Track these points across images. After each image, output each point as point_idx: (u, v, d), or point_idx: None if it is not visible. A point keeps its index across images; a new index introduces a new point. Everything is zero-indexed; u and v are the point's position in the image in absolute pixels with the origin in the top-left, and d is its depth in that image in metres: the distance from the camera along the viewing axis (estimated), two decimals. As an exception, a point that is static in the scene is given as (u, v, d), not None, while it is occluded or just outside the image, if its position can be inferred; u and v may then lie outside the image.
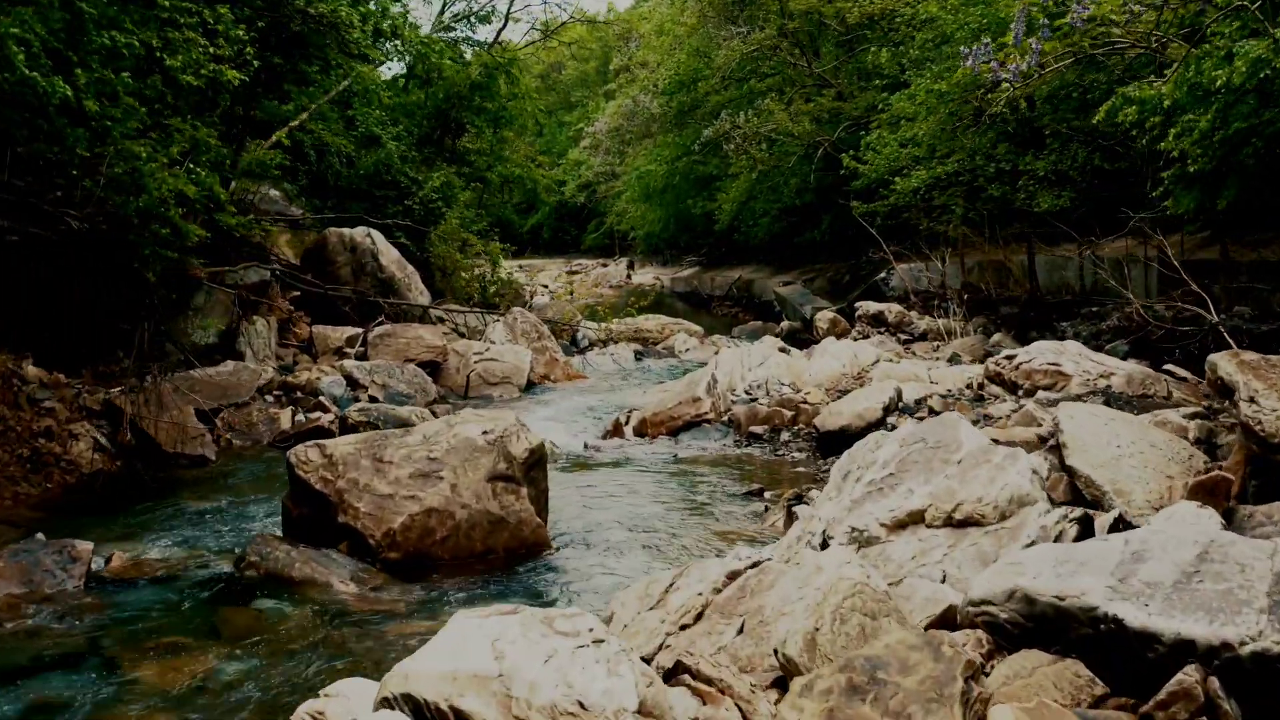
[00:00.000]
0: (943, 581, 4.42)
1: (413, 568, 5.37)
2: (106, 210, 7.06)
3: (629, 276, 39.65)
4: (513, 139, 19.13)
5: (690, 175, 29.72)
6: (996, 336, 12.78)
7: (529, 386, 12.15)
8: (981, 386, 8.74)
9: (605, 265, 42.73)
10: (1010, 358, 8.58)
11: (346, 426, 8.82)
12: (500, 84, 17.70)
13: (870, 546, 4.72)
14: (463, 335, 13.67)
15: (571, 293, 34.69)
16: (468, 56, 19.02)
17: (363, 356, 11.67)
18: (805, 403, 8.35)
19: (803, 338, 20.74)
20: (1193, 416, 6.53)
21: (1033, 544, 4.31)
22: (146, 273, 7.43)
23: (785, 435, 8.06)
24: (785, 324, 21.23)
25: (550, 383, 12.62)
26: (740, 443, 8.16)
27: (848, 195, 20.15)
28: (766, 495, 6.62)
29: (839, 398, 8.73)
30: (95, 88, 6.88)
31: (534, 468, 5.74)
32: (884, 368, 9.11)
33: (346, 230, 13.50)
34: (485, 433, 5.61)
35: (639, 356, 14.61)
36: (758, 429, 8.15)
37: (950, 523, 4.69)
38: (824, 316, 16.48)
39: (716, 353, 15.33)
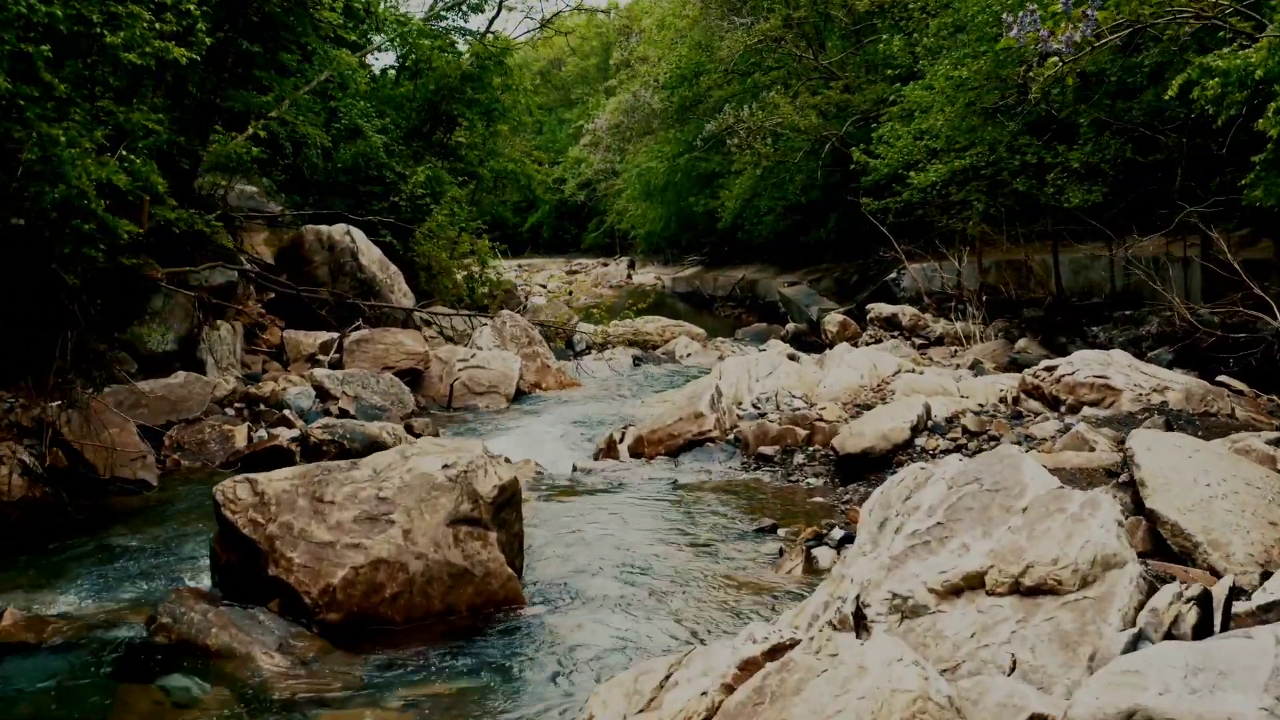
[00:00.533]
0: (1012, 670, 3.47)
1: (356, 632, 4.43)
2: (22, 204, 6.13)
3: (629, 276, 38.70)
4: (506, 133, 18.18)
5: (692, 172, 28.77)
6: (1021, 342, 11.82)
7: (518, 396, 11.22)
8: (1017, 401, 7.79)
9: (605, 265, 41.79)
10: (1050, 369, 7.63)
11: (308, 446, 7.88)
12: (492, 75, 16.74)
13: (916, 618, 3.77)
14: (451, 340, 12.75)
15: (570, 293, 33.74)
16: (460, 48, 18.07)
17: (338, 364, 10.73)
18: (821, 420, 7.40)
19: (809, 340, 19.81)
20: (1277, 443, 5.59)
21: (1129, 623, 3.37)
22: (67, 274, 6.50)
23: (799, 457, 7.11)
24: (791, 326, 20.27)
25: (541, 391, 11.69)
26: (748, 465, 7.21)
27: (856, 192, 19.21)
28: (781, 533, 5.67)
29: (858, 414, 7.78)
30: (7, 63, 5.94)
31: (505, 507, 4.79)
32: (907, 379, 8.16)
33: (324, 228, 12.56)
34: (446, 467, 4.66)
35: (637, 362, 13.67)
36: (768, 450, 7.20)
37: (1018, 589, 3.74)
38: (833, 319, 15.52)
39: (720, 358, 14.40)
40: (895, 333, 14.31)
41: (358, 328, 11.29)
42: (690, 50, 25.82)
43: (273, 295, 12.23)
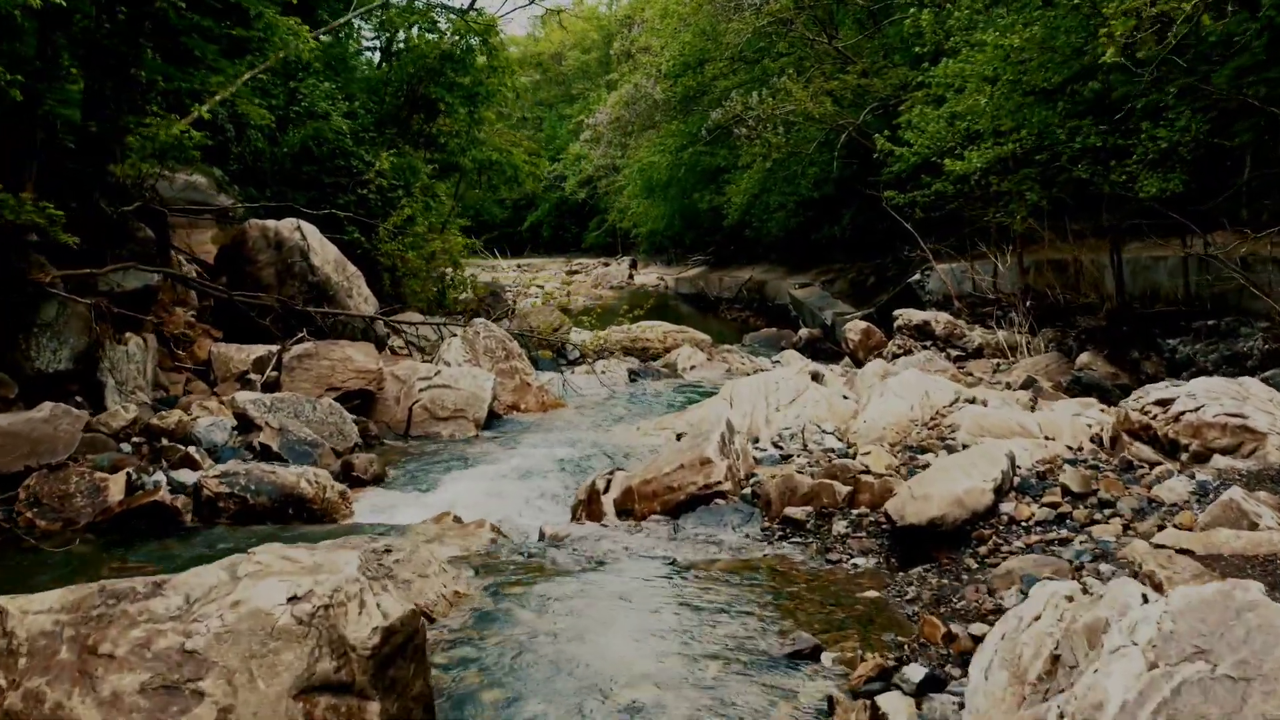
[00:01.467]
0: None
1: None
2: None
3: (631, 277, 36.88)
4: (493, 120, 16.36)
5: (696, 167, 26.93)
6: (1084, 357, 9.96)
7: (491, 420, 9.41)
8: (1116, 443, 5.95)
9: (606, 265, 39.98)
10: (1164, 403, 5.78)
11: (201, 501, 6.08)
12: (475, 55, 14.93)
13: None
14: (423, 351, 10.95)
15: (568, 293, 31.94)
16: (442, 26, 16.25)
17: (274, 384, 8.93)
18: (867, 472, 5.56)
19: (825, 348, 17.99)
20: None
21: None
22: None
23: (839, 525, 5.26)
24: (804, 332, 18.44)
25: (520, 414, 9.88)
26: (771, 534, 5.37)
27: (875, 186, 17.37)
28: (826, 660, 3.85)
29: (911, 461, 5.95)
30: None
31: (395, 660, 2.97)
32: (971, 414, 6.30)
33: (271, 223, 10.75)
34: (294, 600, 2.85)
35: (634, 377, 11.84)
36: (797, 512, 5.37)
37: None
38: (854, 327, 13.67)
39: (728, 371, 12.57)
40: (927, 342, 12.47)
41: (300, 340, 9.48)
42: (694, 37, 23.99)
43: (210, 303, 10.45)
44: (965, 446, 5.95)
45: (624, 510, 5.95)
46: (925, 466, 5.74)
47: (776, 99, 18.27)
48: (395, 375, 9.14)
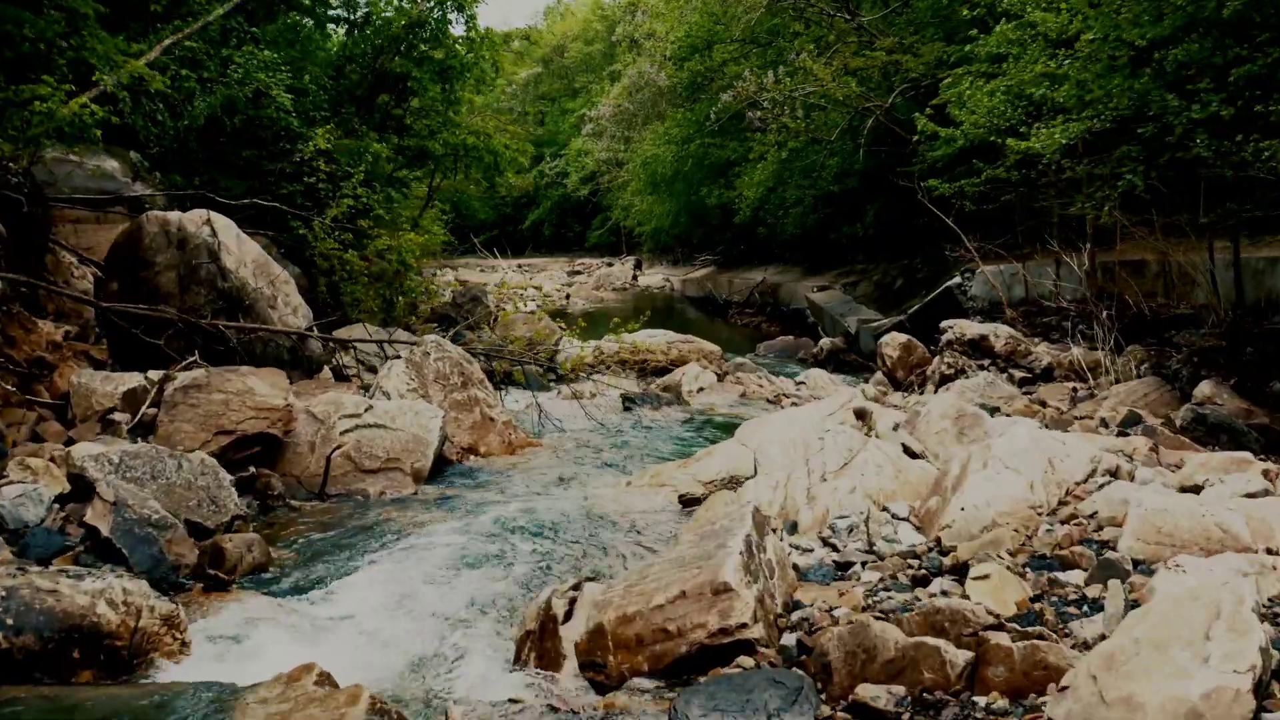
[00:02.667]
0: None
1: None
2: None
3: (635, 277, 34.64)
4: (471, 100, 14.11)
5: (704, 161, 24.67)
6: (1204, 388, 7.64)
7: (439, 468, 7.18)
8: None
9: (610, 265, 37.73)
10: None
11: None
12: (449, 25, 12.70)
13: None
14: (377, 374, 8.73)
15: (567, 296, 29.62)
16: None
17: (149, 426, 6.71)
18: (996, 625, 3.27)
19: (848, 359, 15.70)
20: None
21: None
22: None
23: (954, 725, 3.01)
24: (826, 342, 16.16)
25: (479, 458, 7.63)
26: (835, 735, 3.12)
27: (905, 177, 15.12)
28: None
29: (1048, 585, 3.68)
30: None
31: None
32: (1141, 511, 3.97)
33: (174, 215, 8.52)
34: None
35: (628, 405, 9.56)
36: (878, 696, 3.11)
37: None
38: (893, 342, 11.38)
39: (742, 395, 10.30)
40: (984, 361, 10.19)
41: (191, 365, 7.24)
42: (702, 17, 21.76)
43: (94, 316, 8.25)
44: (1136, 564, 3.68)
45: (592, 662, 3.69)
46: (1078, 602, 3.47)
47: (795, 79, 15.97)
48: (311, 413, 6.89)
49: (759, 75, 16.57)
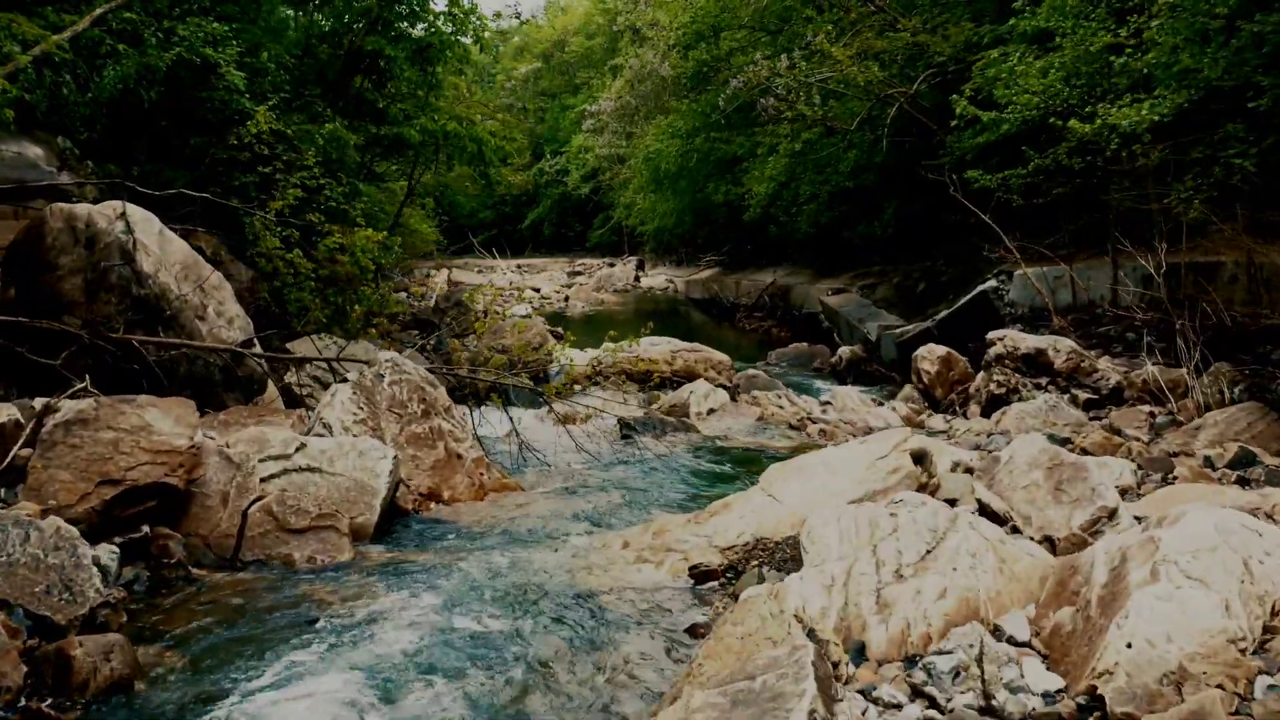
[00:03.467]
0: None
1: None
2: None
3: (638, 279, 33.18)
4: (455, 84, 12.64)
5: (710, 156, 23.17)
6: (1337, 420, 6.17)
7: (390, 521, 5.72)
8: None
9: (611, 265, 36.26)
10: None
11: None
12: (428, 1, 11.24)
13: None
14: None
15: (569, 300, 28.09)
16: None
17: (19, 472, 5.26)
18: None
19: (870, 369, 14.23)
20: None
21: None
22: None
23: None
24: (845, 351, 14.70)
25: (443, 505, 6.17)
26: None
27: (938, 170, 13.67)
28: None
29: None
30: None
31: None
32: None
33: (83, 209, 7.06)
34: None
35: (627, 432, 8.07)
36: None
37: None
38: (930, 355, 9.92)
39: (760, 418, 8.82)
40: (1040, 379, 8.72)
41: (79, 393, 5.78)
42: (708, 2, 20.28)
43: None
44: None
45: None
46: None
47: (811, 63, 14.50)
48: (226, 455, 5.43)
49: (772, 60, 15.07)
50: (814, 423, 8.33)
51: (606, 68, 38.20)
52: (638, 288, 32.15)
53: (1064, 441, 6.92)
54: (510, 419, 7.40)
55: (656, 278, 32.93)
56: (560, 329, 19.82)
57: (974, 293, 13.02)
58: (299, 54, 11.21)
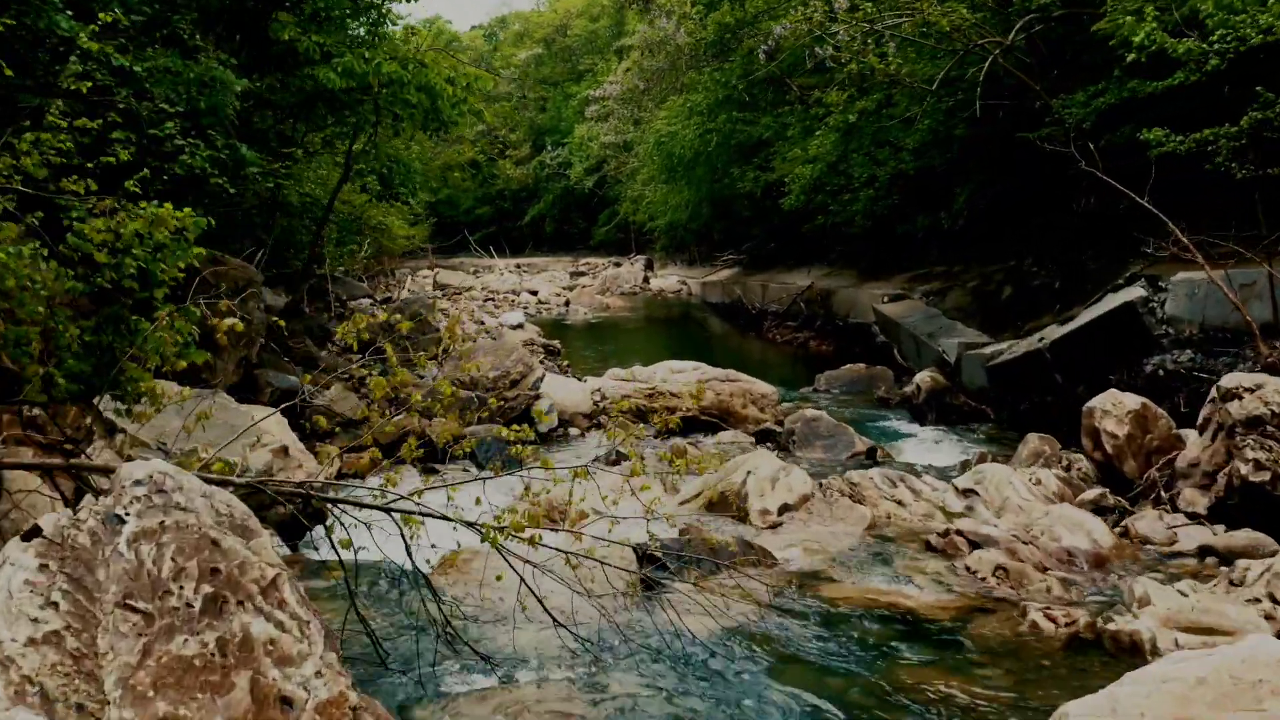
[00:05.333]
0: None
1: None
2: None
3: (646, 280, 29.60)
4: (403, 26, 9.03)
5: (732, 139, 19.58)
6: None
7: None
8: None
9: (618, 265, 32.71)
10: None
11: None
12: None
13: None
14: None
15: (569, 304, 24.26)
16: None
17: None
18: None
19: (957, 404, 10.76)
20: None
21: None
22: None
23: None
24: (924, 379, 11.11)
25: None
26: None
27: (1047, 140, 10.16)
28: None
29: None
30: None
31: None
32: None
33: None
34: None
35: (649, 581, 4.43)
36: None
37: None
38: (1116, 409, 6.29)
39: (869, 527, 5.36)
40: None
41: None
42: (733, -47, 16.71)
43: None
44: None
45: None
46: None
47: (878, 3, 10.90)
48: None
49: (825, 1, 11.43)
50: (965, 538, 4.75)
51: (612, 50, 34.63)
52: (646, 290, 28.58)
53: None
54: (432, 595, 3.78)
55: (668, 279, 29.37)
56: (556, 343, 16.34)
57: (1112, 304, 9.41)
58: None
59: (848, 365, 13.15)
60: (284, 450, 5.24)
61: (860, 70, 10.24)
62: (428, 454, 7.93)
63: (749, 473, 5.54)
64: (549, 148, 40.07)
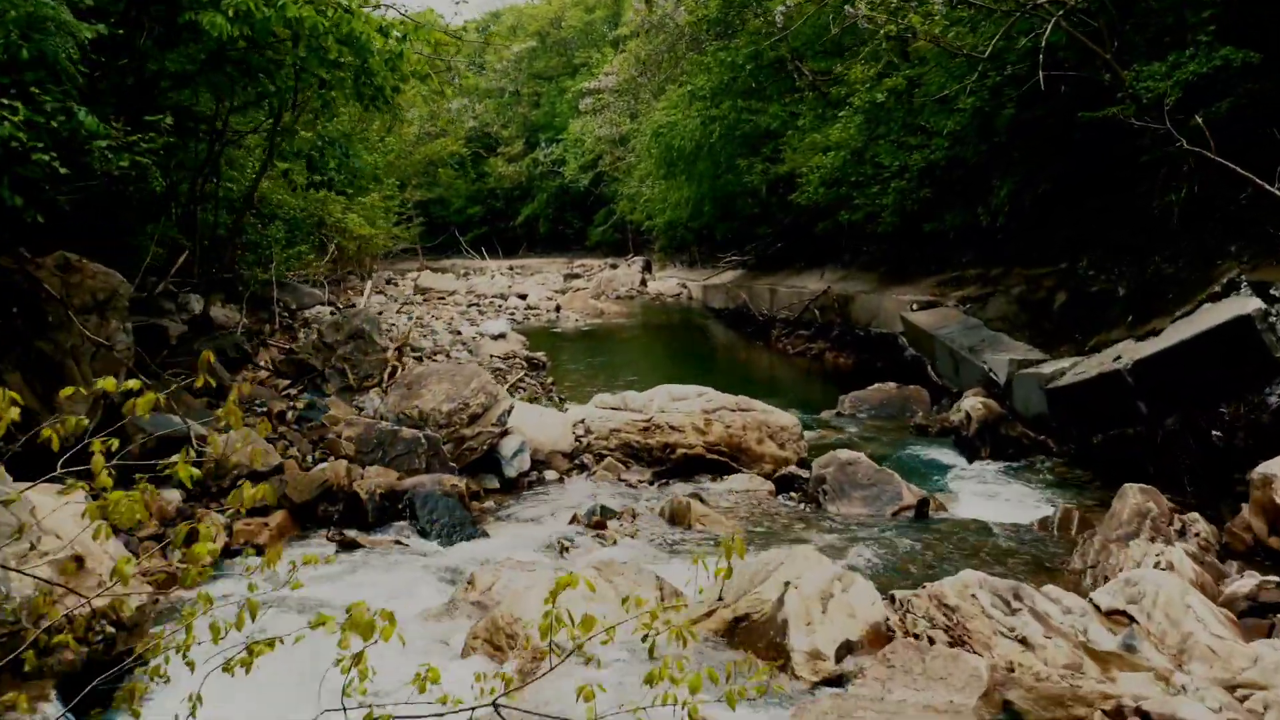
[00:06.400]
0: None
1: None
2: None
3: (644, 282, 27.70)
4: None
5: (736, 130, 17.67)
6: None
7: None
8: None
9: (614, 267, 30.81)
10: None
11: None
12: None
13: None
14: None
15: (560, 309, 22.28)
16: None
17: None
18: None
19: (1016, 436, 8.94)
20: None
21: None
22: None
23: None
24: (973, 405, 9.18)
25: None
26: None
27: (1133, 116, 8.32)
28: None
29: None
30: None
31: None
32: None
33: None
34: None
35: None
36: None
37: None
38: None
39: (972, 675, 3.32)
40: None
41: None
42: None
43: None
44: None
45: None
46: None
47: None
48: None
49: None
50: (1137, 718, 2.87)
51: (608, 42, 32.73)
52: (644, 293, 26.69)
53: None
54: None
55: (666, 281, 27.48)
56: (541, 355, 14.44)
57: (1221, 317, 7.50)
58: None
59: (876, 385, 11.25)
60: (78, 561, 3.36)
61: (900, 33, 8.31)
62: (350, 514, 6.06)
63: (787, 585, 3.65)
64: (543, 145, 38.17)
